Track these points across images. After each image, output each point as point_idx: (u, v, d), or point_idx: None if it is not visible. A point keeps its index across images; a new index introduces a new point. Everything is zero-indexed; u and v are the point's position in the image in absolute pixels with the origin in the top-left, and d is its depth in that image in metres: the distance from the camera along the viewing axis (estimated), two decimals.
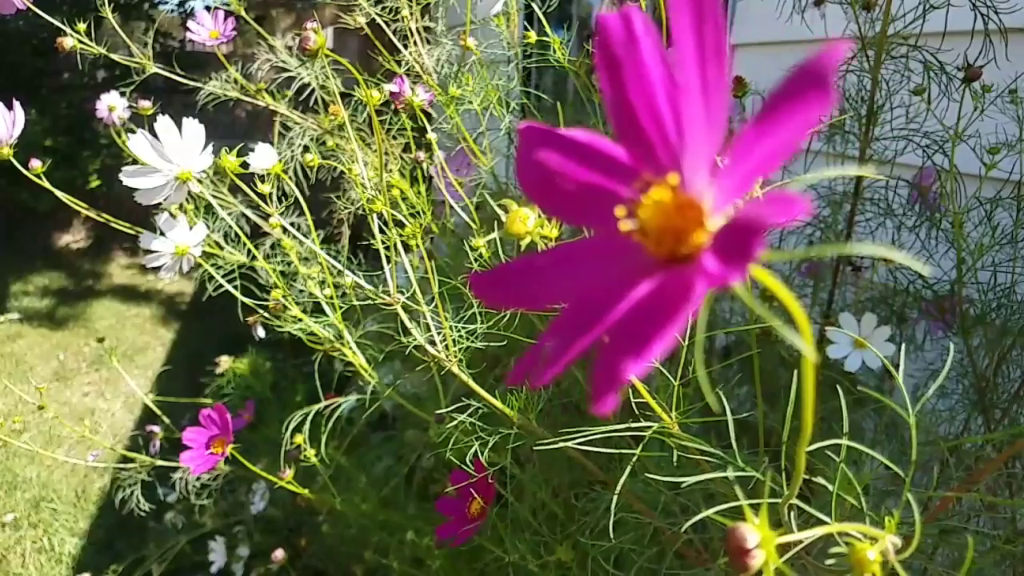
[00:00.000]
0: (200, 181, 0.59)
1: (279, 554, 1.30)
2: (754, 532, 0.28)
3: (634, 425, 0.51)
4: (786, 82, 0.18)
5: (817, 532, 0.31)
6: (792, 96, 0.18)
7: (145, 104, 0.97)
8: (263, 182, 0.74)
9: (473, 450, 0.65)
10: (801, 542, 0.30)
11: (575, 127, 0.24)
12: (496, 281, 0.25)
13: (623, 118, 0.21)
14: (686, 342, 0.58)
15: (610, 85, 0.21)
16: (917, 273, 0.96)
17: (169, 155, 0.57)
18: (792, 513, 0.40)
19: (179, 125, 0.58)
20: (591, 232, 0.25)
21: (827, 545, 0.44)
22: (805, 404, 0.26)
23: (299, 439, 0.94)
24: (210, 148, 0.59)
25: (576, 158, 0.23)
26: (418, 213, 0.79)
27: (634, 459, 0.51)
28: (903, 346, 0.52)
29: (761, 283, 0.22)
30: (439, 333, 0.65)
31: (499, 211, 0.44)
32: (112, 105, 1.10)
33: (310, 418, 0.96)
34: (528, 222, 0.42)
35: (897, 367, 1.01)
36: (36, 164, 0.71)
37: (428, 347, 0.64)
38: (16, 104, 0.65)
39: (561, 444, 0.54)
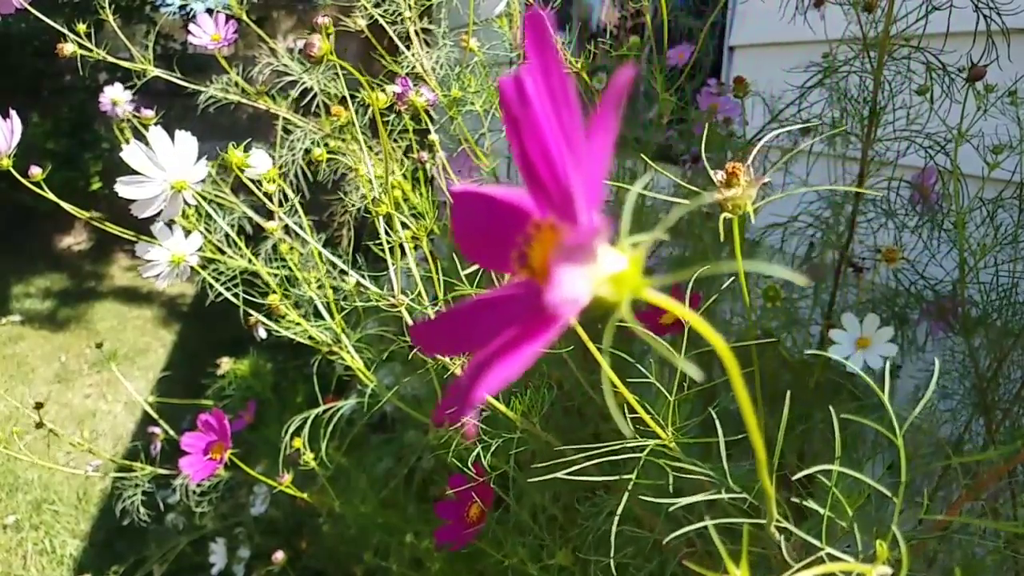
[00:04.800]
0: (197, 192, 0.59)
1: (279, 555, 1.30)
2: None
3: (630, 444, 0.51)
4: (596, 108, 0.21)
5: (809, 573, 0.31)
6: (595, 122, 0.21)
7: (148, 113, 0.97)
8: (263, 185, 0.73)
9: (475, 453, 0.65)
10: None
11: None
12: (431, 331, 0.27)
13: (526, 169, 0.23)
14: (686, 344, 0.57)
15: (513, 141, 0.23)
16: (919, 274, 0.96)
17: (163, 164, 0.56)
18: (783, 537, 0.40)
19: (181, 127, 0.58)
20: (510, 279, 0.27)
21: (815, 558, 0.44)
22: (747, 423, 0.26)
23: (298, 443, 0.94)
24: (204, 159, 0.59)
25: (497, 213, 0.26)
26: (420, 215, 0.79)
27: (631, 481, 0.51)
28: (926, 344, 0.52)
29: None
30: None
31: None
32: (116, 99, 1.08)
33: (310, 421, 0.96)
34: None
35: (899, 368, 1.01)
36: (36, 171, 0.70)
37: None
38: (13, 114, 0.64)
39: (566, 462, 0.53)
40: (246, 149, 0.69)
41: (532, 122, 0.22)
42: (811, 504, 0.44)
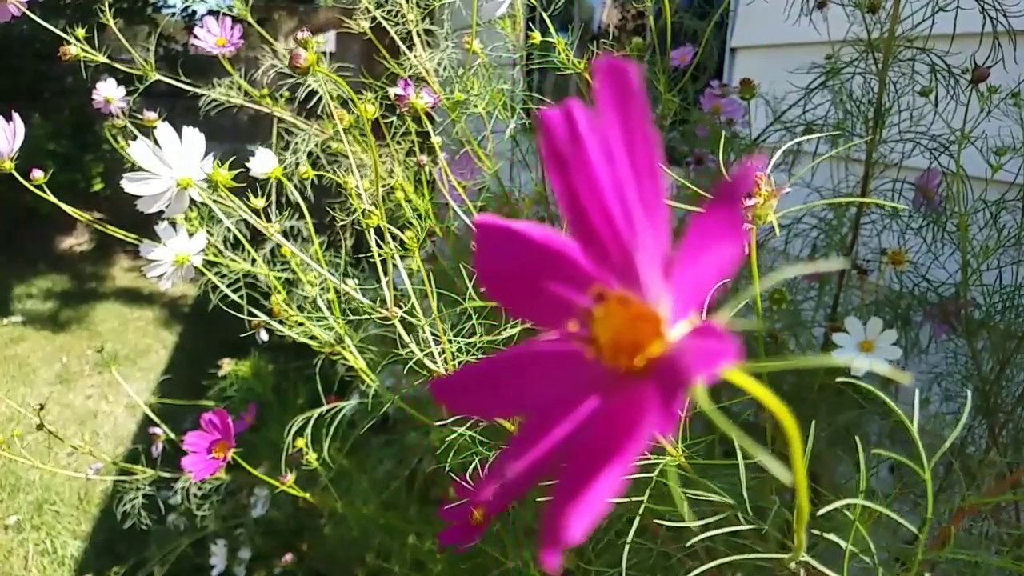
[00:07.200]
0: (202, 190, 0.58)
1: (288, 557, 1.30)
2: None
3: (641, 462, 0.50)
4: (705, 213, 0.18)
5: None
6: (710, 234, 0.18)
7: (151, 115, 0.96)
8: (263, 189, 0.73)
9: (473, 465, 0.65)
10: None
11: (532, 221, 0.22)
12: (458, 387, 0.23)
13: (575, 217, 0.20)
14: None
15: (559, 183, 0.20)
16: (922, 276, 0.96)
17: (169, 162, 0.56)
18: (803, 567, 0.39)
19: (182, 130, 0.58)
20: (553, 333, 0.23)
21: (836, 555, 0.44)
22: (798, 485, 0.25)
23: (300, 443, 0.94)
24: (211, 156, 0.59)
25: (533, 257, 0.22)
26: (421, 216, 0.79)
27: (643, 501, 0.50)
28: (929, 346, 0.52)
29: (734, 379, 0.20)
30: (438, 345, 0.64)
31: None
32: (109, 96, 1.04)
33: (312, 422, 0.95)
34: None
35: (903, 369, 1.00)
36: (38, 174, 0.70)
37: (427, 362, 0.64)
38: (16, 116, 0.64)
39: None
40: (246, 154, 0.69)
41: (586, 166, 0.19)
42: (833, 537, 0.44)
